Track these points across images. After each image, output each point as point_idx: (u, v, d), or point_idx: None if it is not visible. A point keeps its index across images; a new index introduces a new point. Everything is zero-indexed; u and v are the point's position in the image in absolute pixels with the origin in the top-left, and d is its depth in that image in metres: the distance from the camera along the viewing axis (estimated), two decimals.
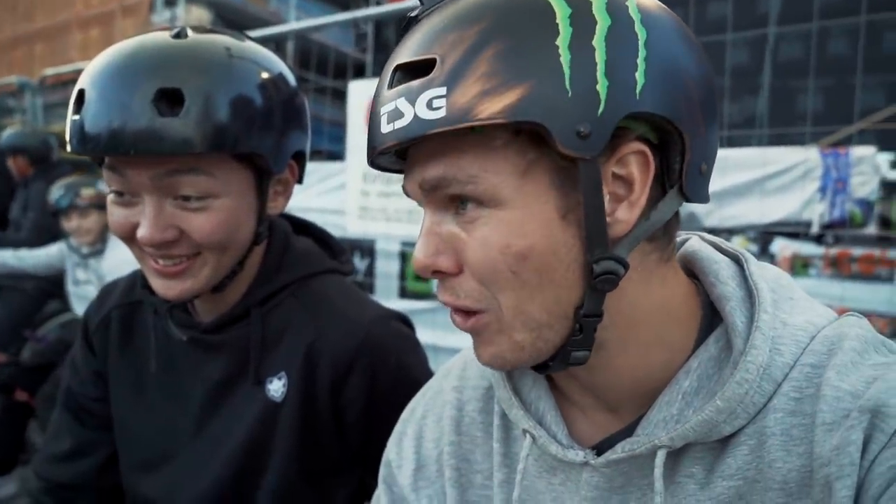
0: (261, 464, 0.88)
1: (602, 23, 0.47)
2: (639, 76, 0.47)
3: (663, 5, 0.52)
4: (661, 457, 0.52)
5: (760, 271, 0.56)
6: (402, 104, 0.48)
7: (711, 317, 0.57)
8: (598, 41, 0.46)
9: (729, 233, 3.11)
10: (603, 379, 0.56)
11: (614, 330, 0.53)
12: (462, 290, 0.52)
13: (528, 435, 0.59)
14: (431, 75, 0.47)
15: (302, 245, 0.97)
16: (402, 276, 3.09)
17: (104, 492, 1.01)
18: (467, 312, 0.53)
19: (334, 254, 1.01)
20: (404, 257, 3.07)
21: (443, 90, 0.46)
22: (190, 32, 0.77)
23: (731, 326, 0.53)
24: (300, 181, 0.91)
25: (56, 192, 2.80)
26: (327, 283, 0.94)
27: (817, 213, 2.79)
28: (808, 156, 2.77)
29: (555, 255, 0.49)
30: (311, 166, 0.98)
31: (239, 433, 0.88)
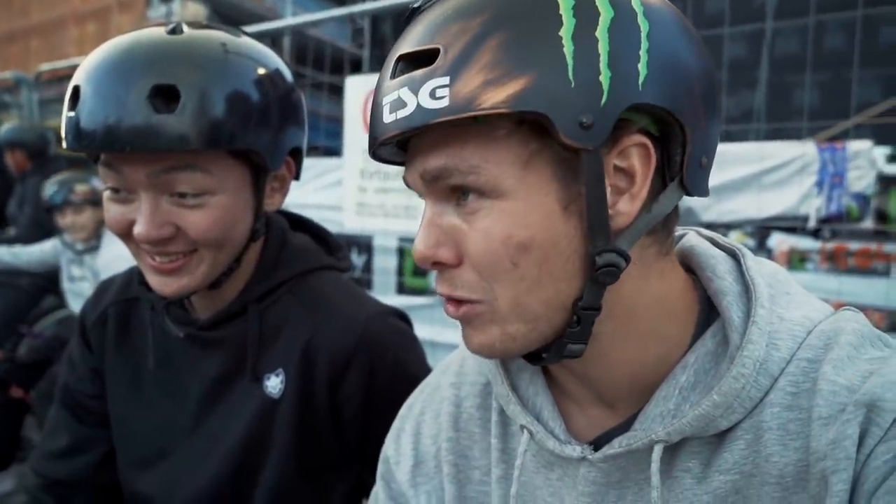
0: (258, 460, 0.88)
1: (605, 14, 0.47)
2: (641, 68, 0.47)
3: None
4: (657, 451, 0.52)
5: (757, 266, 0.56)
6: (405, 94, 0.48)
7: (708, 311, 0.57)
8: (601, 32, 0.46)
9: (726, 227, 3.11)
10: (599, 372, 0.56)
11: (611, 323, 0.53)
12: (460, 281, 0.52)
13: (525, 430, 0.60)
14: (435, 65, 0.47)
15: (299, 241, 0.97)
16: (400, 271, 3.09)
17: (101, 488, 1.01)
18: (460, 301, 0.53)
19: (331, 250, 1.01)
20: (402, 253, 3.07)
21: (446, 80, 0.46)
22: (185, 28, 0.77)
23: (728, 321, 0.53)
24: (297, 177, 0.91)
25: (50, 188, 2.79)
26: (324, 280, 0.94)
27: (814, 208, 2.80)
28: (805, 150, 2.77)
29: (555, 247, 0.49)
30: (307, 162, 0.98)
31: (236, 430, 0.88)
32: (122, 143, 0.70)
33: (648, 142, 0.49)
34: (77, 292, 2.84)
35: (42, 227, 3.28)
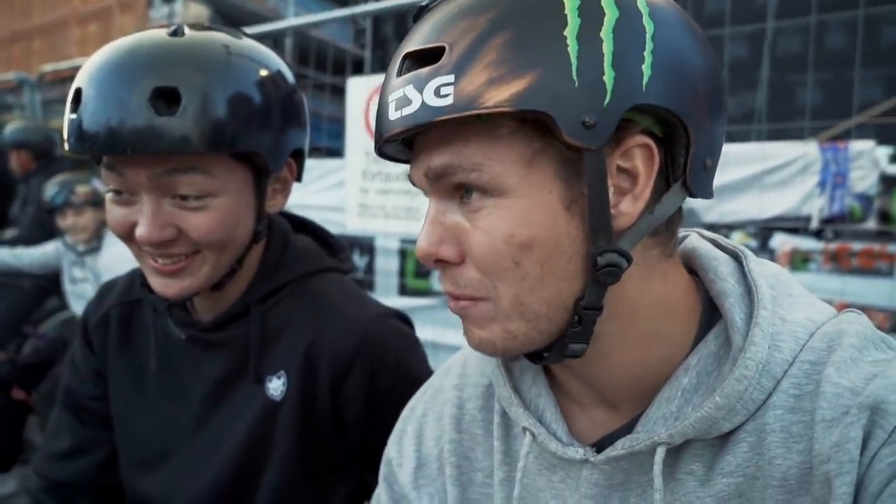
0: (260, 462, 0.88)
1: (610, 14, 0.47)
2: (645, 69, 0.47)
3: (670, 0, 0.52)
4: (660, 454, 0.52)
5: (759, 268, 0.56)
6: (410, 91, 0.48)
7: (711, 313, 0.57)
8: (605, 33, 0.46)
9: (728, 228, 3.11)
10: (601, 373, 0.56)
11: (613, 323, 0.53)
12: (463, 279, 0.52)
13: (528, 433, 0.59)
14: (440, 63, 0.47)
15: (301, 243, 0.97)
16: (402, 273, 3.09)
17: (104, 490, 1.01)
18: (462, 297, 0.53)
19: (333, 252, 1.01)
20: (404, 254, 3.07)
21: (450, 78, 0.47)
22: (187, 30, 0.77)
23: (730, 323, 0.53)
24: (299, 179, 0.91)
25: (51, 189, 2.78)
26: (326, 282, 0.94)
27: (817, 208, 2.80)
28: (807, 150, 2.77)
29: (557, 246, 0.49)
30: (310, 163, 0.98)
31: (238, 432, 0.88)
32: (123, 146, 0.70)
33: (652, 142, 0.49)
34: (79, 294, 2.84)
35: (43, 228, 3.28)
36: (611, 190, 0.49)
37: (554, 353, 0.54)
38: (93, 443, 1.01)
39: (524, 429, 0.60)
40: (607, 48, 0.46)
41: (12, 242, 3.27)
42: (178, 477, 0.91)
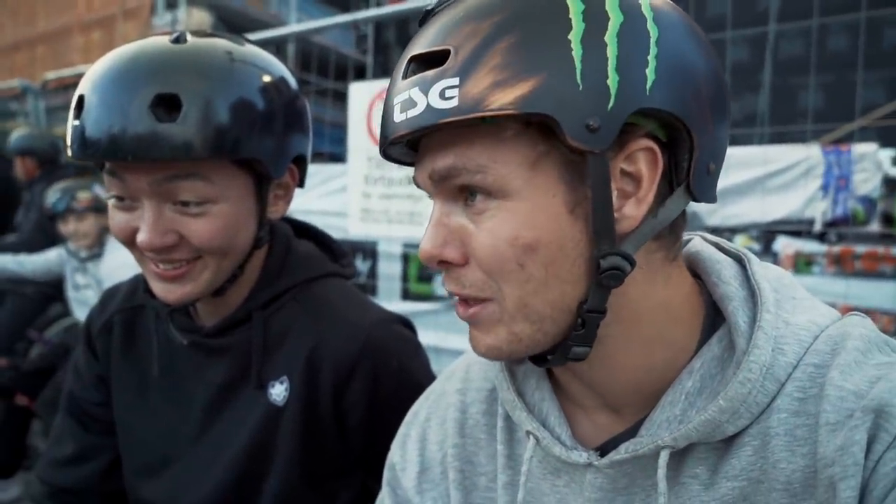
0: (263, 468, 0.88)
1: (615, 19, 0.47)
2: (649, 73, 0.47)
3: (673, 3, 0.52)
4: (664, 457, 0.52)
5: (763, 271, 0.56)
6: (416, 94, 0.48)
7: (714, 317, 0.57)
8: (610, 37, 0.47)
9: (731, 232, 3.11)
10: (604, 376, 0.56)
11: (617, 326, 0.53)
12: (467, 280, 0.52)
13: (531, 436, 0.59)
14: (445, 66, 0.48)
15: (303, 249, 0.97)
16: (405, 277, 3.09)
17: (107, 496, 1.01)
18: (468, 302, 0.53)
19: (335, 257, 1.01)
20: (406, 259, 3.07)
21: (455, 80, 0.47)
22: (189, 37, 0.77)
23: (734, 326, 0.53)
24: (301, 185, 0.91)
25: (52, 195, 2.79)
26: (329, 287, 0.94)
27: (820, 211, 2.79)
28: (809, 153, 2.77)
29: (561, 249, 0.49)
30: (312, 168, 0.98)
31: (241, 437, 0.88)
32: (124, 152, 0.71)
33: (655, 146, 0.49)
34: (81, 300, 2.85)
35: (45, 234, 3.28)
36: (614, 193, 0.49)
37: (557, 356, 0.54)
38: (96, 449, 1.01)
39: (528, 433, 0.60)
40: (611, 52, 0.46)
41: (14, 247, 3.27)
42: (181, 483, 0.91)
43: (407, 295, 3.09)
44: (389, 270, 3.13)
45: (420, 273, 3.05)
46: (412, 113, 0.49)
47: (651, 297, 0.53)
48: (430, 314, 2.87)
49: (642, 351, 0.55)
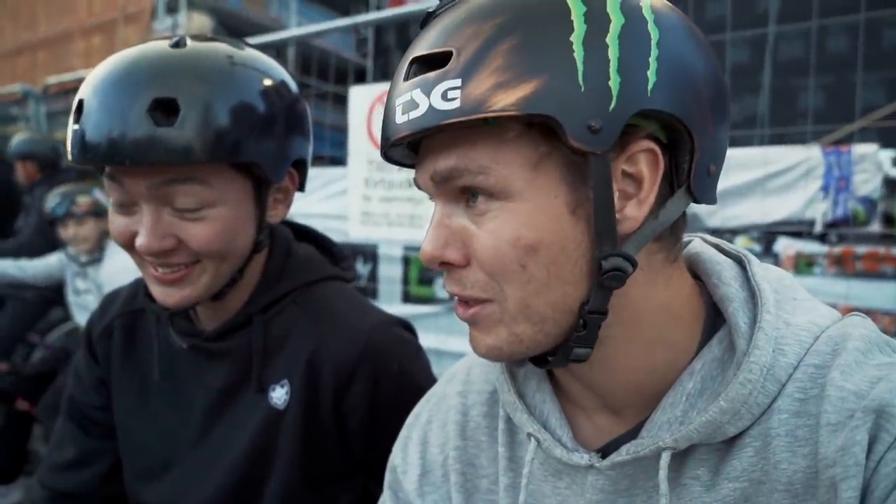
0: (264, 472, 0.88)
1: (616, 21, 0.47)
2: (650, 74, 0.47)
3: (673, 6, 0.52)
4: (665, 459, 0.52)
5: (763, 272, 0.56)
6: (418, 95, 0.49)
7: (714, 318, 0.57)
8: (611, 39, 0.47)
9: (732, 233, 3.11)
10: (605, 377, 0.56)
11: (618, 328, 0.53)
12: (469, 280, 0.52)
13: (532, 439, 0.59)
14: (447, 67, 0.48)
15: (303, 252, 0.97)
16: (405, 280, 3.09)
17: (108, 500, 1.01)
18: (469, 302, 0.53)
19: (336, 260, 1.01)
20: (407, 262, 3.07)
21: (458, 82, 0.47)
22: (189, 41, 0.77)
23: (734, 327, 0.53)
24: (301, 189, 0.91)
25: (52, 200, 2.79)
26: (329, 290, 0.94)
27: (820, 212, 2.79)
28: (809, 154, 2.77)
29: (563, 250, 0.49)
30: (312, 172, 0.98)
31: (242, 441, 0.88)
32: (122, 156, 0.71)
33: (656, 148, 0.49)
34: (82, 305, 2.84)
35: (45, 237, 3.28)
36: (616, 194, 0.49)
37: (559, 357, 0.54)
38: (96, 453, 1.01)
39: (529, 435, 0.60)
40: (613, 54, 0.47)
41: (14, 251, 3.27)
42: (182, 487, 0.91)
43: (408, 298, 3.09)
44: (390, 273, 3.13)
45: (421, 276, 3.05)
46: (414, 114, 0.49)
47: (652, 299, 0.53)
48: (430, 317, 2.87)
49: (643, 352, 0.55)
